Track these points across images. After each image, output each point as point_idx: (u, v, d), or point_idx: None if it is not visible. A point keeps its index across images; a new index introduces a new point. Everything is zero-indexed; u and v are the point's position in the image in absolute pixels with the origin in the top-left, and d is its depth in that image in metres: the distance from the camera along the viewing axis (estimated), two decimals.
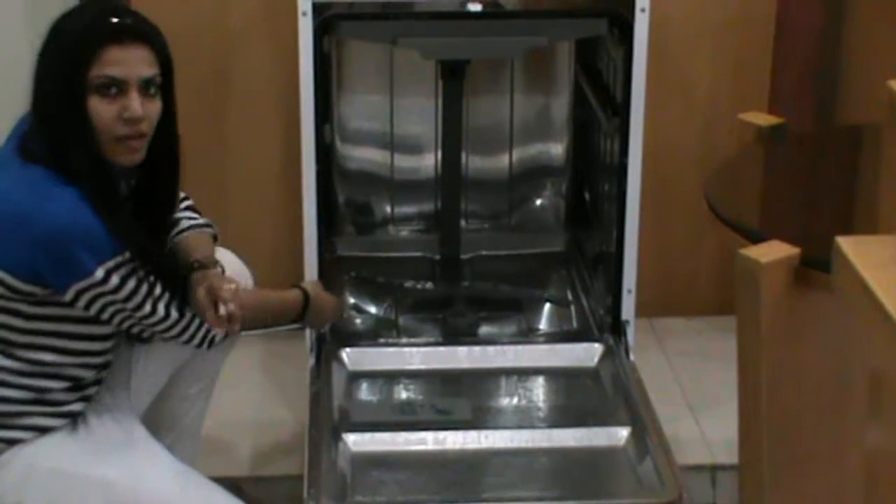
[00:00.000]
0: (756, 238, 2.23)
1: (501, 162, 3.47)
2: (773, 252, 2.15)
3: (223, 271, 2.41)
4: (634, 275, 3.01)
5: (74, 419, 2.35)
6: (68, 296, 2.21)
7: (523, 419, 2.83)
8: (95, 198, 2.18)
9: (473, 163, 3.44)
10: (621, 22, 2.88)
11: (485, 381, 2.97)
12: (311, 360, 2.95)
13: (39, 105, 2.23)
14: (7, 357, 2.28)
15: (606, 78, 3.17)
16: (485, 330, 3.18)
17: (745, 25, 3.35)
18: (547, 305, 3.31)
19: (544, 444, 2.71)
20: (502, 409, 2.87)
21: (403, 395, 2.92)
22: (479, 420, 2.79)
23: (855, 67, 3.37)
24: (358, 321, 3.25)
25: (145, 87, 2.20)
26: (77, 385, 2.34)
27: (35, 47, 2.23)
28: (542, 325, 3.26)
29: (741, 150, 2.72)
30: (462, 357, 3.02)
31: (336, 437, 2.68)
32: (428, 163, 3.43)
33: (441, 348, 3.05)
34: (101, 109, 2.18)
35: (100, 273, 2.19)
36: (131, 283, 2.23)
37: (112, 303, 2.23)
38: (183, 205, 2.46)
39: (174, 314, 2.30)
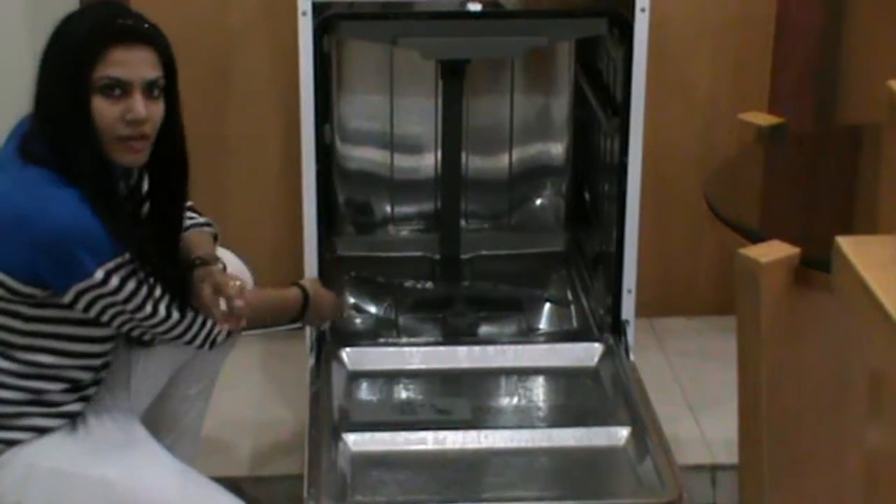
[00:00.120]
0: (756, 238, 2.22)
1: (501, 162, 3.47)
2: (773, 252, 2.15)
3: (224, 268, 2.41)
4: (634, 275, 3.01)
5: (74, 419, 2.35)
6: (68, 297, 2.21)
7: (523, 419, 2.83)
8: (96, 199, 2.18)
9: (473, 163, 3.44)
10: (621, 22, 2.88)
11: (485, 381, 2.97)
12: (311, 360, 2.95)
13: (42, 106, 2.23)
14: (6, 359, 2.28)
15: (606, 78, 3.17)
16: (485, 330, 3.18)
17: (745, 25, 3.35)
18: (547, 305, 3.31)
19: (544, 443, 2.71)
20: (502, 409, 2.87)
21: (403, 394, 2.92)
22: (479, 420, 2.79)
23: (855, 67, 3.37)
24: (358, 321, 3.25)
25: (149, 89, 2.21)
26: (75, 386, 2.34)
27: (35, 48, 2.23)
28: (542, 324, 3.26)
29: (741, 150, 2.72)
30: (462, 357, 3.02)
31: (336, 437, 2.68)
32: (428, 163, 3.43)
33: (441, 348, 3.06)
34: (104, 110, 2.18)
35: (99, 274, 2.19)
36: (131, 285, 2.22)
37: (112, 304, 2.23)
38: None
39: (175, 315, 2.30)
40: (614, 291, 3.04)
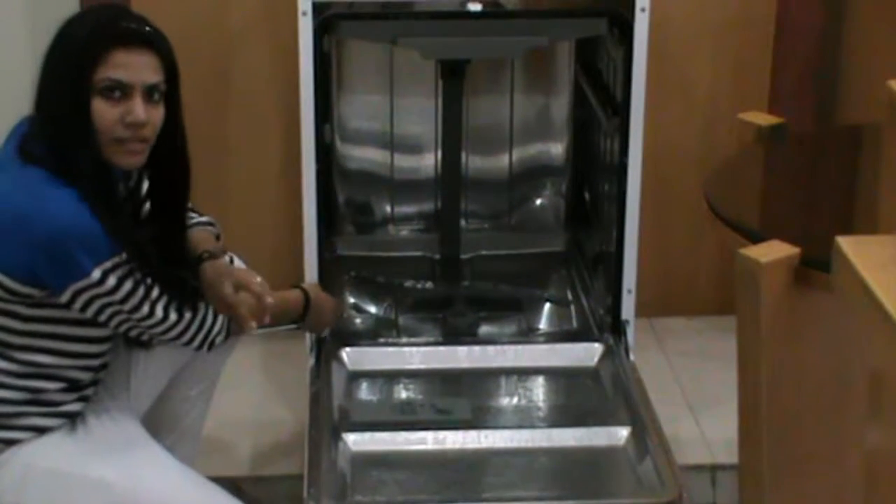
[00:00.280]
0: (756, 238, 2.22)
1: (501, 162, 3.47)
2: (773, 252, 2.15)
3: (232, 261, 2.41)
4: (634, 275, 3.01)
5: (73, 420, 2.35)
6: (65, 297, 2.21)
7: (523, 419, 2.83)
8: (94, 199, 2.18)
9: (473, 163, 3.44)
10: (621, 22, 2.88)
11: (485, 381, 2.97)
12: (311, 360, 2.95)
13: (43, 106, 2.23)
14: (4, 359, 2.28)
15: (606, 78, 3.17)
16: (485, 330, 3.18)
17: (745, 25, 3.35)
18: (547, 305, 3.31)
19: (544, 443, 2.71)
20: (502, 409, 2.87)
21: (403, 394, 2.92)
22: (478, 420, 2.79)
23: (855, 67, 3.37)
24: (358, 321, 3.25)
25: (149, 93, 2.21)
26: (74, 386, 2.34)
27: (35, 49, 2.23)
28: (542, 324, 3.26)
29: (741, 150, 2.72)
30: (462, 357, 3.02)
31: (336, 437, 2.68)
32: (428, 163, 3.43)
33: (441, 348, 3.06)
34: (103, 112, 2.18)
35: (96, 274, 2.18)
36: (128, 285, 2.22)
37: (109, 304, 2.23)
38: None
39: (173, 316, 2.30)
40: (614, 291, 3.04)
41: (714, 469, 2.91)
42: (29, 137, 2.24)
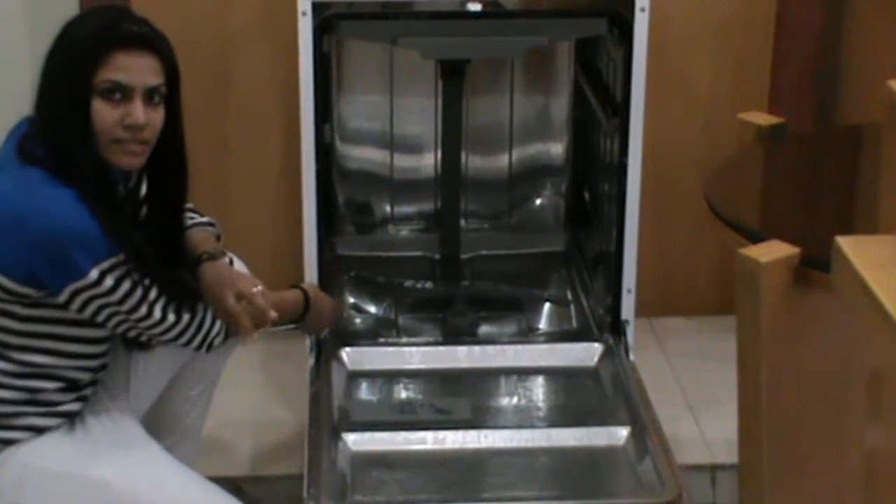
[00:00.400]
0: (756, 238, 2.22)
1: (501, 162, 3.47)
2: (773, 252, 2.15)
3: (231, 262, 2.41)
4: (634, 275, 3.01)
5: (72, 419, 2.35)
6: (63, 297, 2.21)
7: (523, 419, 2.83)
8: (93, 199, 2.18)
9: (473, 162, 3.44)
10: (621, 22, 2.88)
11: (485, 381, 2.97)
12: (311, 360, 2.95)
13: (44, 106, 2.24)
14: (1, 359, 2.28)
15: (606, 78, 3.17)
16: (485, 330, 3.18)
17: (745, 25, 3.35)
18: (547, 305, 3.31)
19: (544, 443, 2.71)
20: (502, 409, 2.87)
21: (403, 394, 2.92)
22: (478, 420, 2.79)
23: (855, 67, 3.37)
24: (358, 321, 3.25)
25: (149, 95, 2.21)
26: (72, 386, 2.34)
27: (35, 49, 2.23)
28: (542, 324, 3.26)
29: (741, 150, 2.72)
30: (462, 357, 3.02)
31: (336, 437, 2.68)
32: (428, 163, 3.43)
33: (441, 348, 3.06)
34: (103, 113, 2.19)
35: (94, 274, 2.18)
36: (126, 286, 2.22)
37: (107, 305, 2.23)
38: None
39: (171, 317, 2.30)
40: (614, 291, 3.04)
41: (714, 469, 2.91)
42: (28, 138, 2.24)
